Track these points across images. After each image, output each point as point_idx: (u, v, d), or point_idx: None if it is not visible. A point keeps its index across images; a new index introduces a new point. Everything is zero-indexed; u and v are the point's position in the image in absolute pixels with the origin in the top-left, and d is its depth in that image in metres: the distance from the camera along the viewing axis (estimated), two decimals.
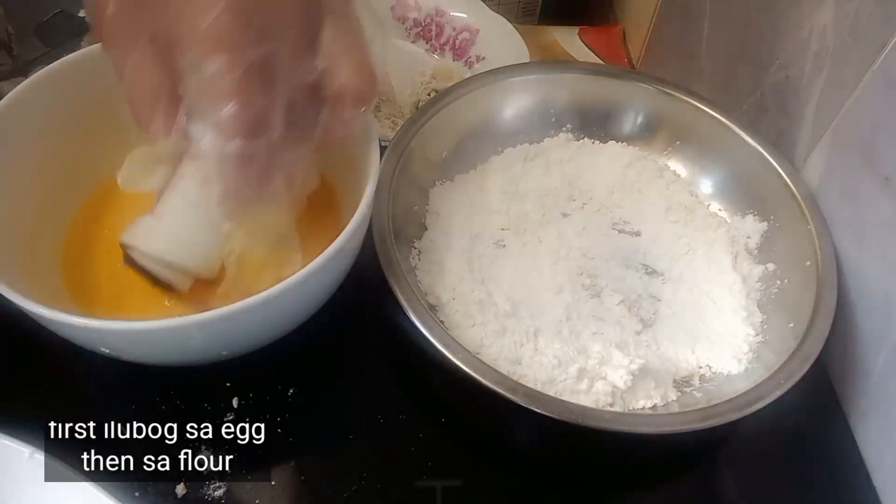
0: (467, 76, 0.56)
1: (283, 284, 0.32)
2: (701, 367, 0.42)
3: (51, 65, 0.40)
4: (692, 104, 0.50)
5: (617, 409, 0.38)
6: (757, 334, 0.42)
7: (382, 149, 0.39)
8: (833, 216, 0.44)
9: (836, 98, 0.44)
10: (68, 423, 0.38)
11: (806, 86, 0.47)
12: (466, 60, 0.63)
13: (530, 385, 0.38)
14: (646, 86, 0.51)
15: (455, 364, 0.35)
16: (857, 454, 0.41)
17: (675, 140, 0.51)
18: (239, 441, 0.38)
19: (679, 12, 0.64)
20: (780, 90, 0.50)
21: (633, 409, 0.39)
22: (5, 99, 0.38)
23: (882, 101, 0.40)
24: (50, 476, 0.30)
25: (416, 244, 0.45)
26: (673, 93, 0.51)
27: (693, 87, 0.52)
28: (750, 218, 0.48)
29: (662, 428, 0.35)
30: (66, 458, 0.30)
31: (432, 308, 0.41)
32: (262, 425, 0.39)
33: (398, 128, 0.47)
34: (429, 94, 0.57)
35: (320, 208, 0.44)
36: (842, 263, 0.43)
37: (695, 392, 0.40)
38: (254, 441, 0.38)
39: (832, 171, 0.45)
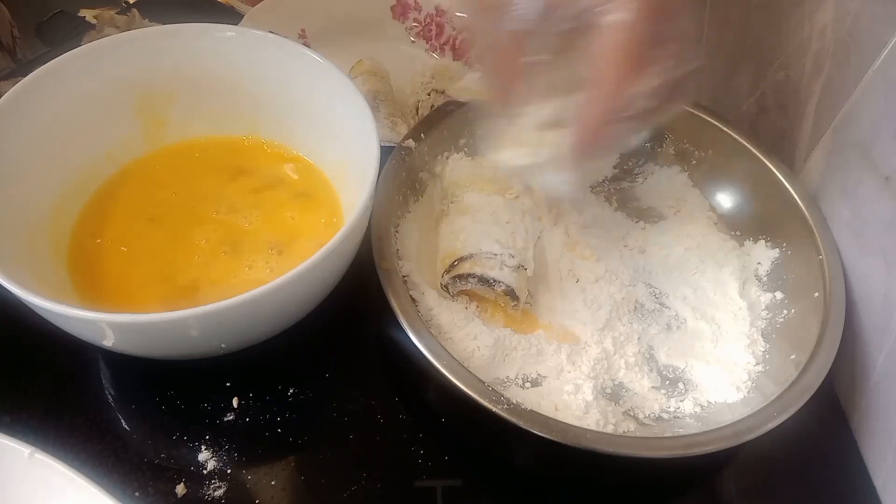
0: (467, 76, 0.56)
1: (280, 279, 0.32)
2: (698, 393, 0.41)
3: (52, 61, 0.40)
4: (710, 122, 0.49)
5: (609, 427, 0.38)
6: (757, 363, 0.42)
7: (382, 149, 0.39)
8: (833, 216, 0.44)
9: (836, 98, 0.44)
10: (69, 423, 0.38)
11: (806, 86, 0.47)
12: (466, 60, 0.63)
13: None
14: None
15: (440, 372, 0.35)
16: (857, 454, 0.41)
17: (691, 159, 0.50)
18: (239, 441, 0.38)
19: None
20: (780, 90, 0.49)
21: (626, 431, 0.38)
22: (6, 95, 0.38)
23: (882, 101, 0.40)
24: (50, 476, 0.29)
25: None
26: (688, 108, 0.49)
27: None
28: (762, 244, 0.47)
29: (643, 452, 0.34)
30: (66, 457, 0.30)
31: (428, 311, 0.41)
32: (262, 425, 0.39)
33: (397, 127, 0.47)
34: (428, 94, 0.57)
35: (321, 207, 0.44)
36: (842, 263, 0.43)
37: (687, 418, 0.40)
38: (254, 440, 0.38)
39: (832, 171, 0.45)
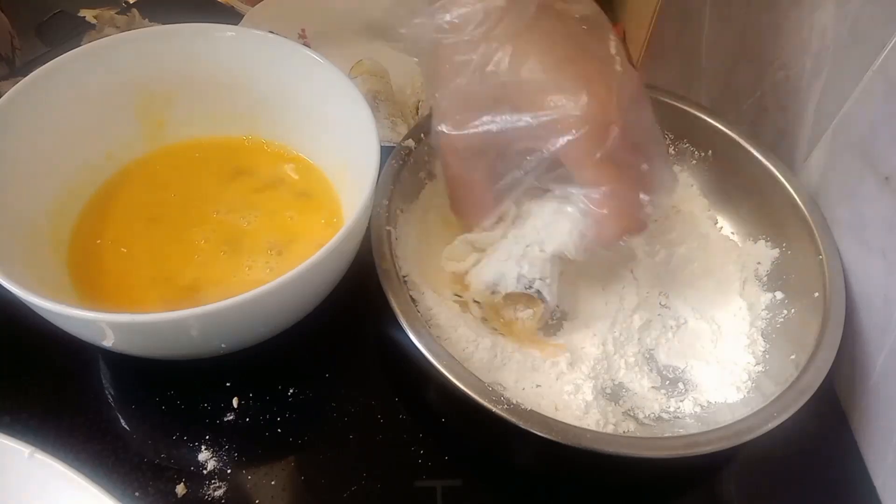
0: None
1: (280, 279, 0.32)
2: (698, 393, 0.41)
3: (52, 61, 0.40)
4: (710, 122, 0.48)
5: (609, 427, 0.38)
6: (757, 363, 0.42)
7: (382, 149, 0.39)
8: (833, 216, 0.44)
9: (836, 98, 0.44)
10: (69, 423, 0.38)
11: (806, 86, 0.47)
12: None
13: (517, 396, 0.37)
14: (656, 97, 0.49)
15: (440, 372, 0.35)
16: (857, 454, 0.41)
17: (691, 159, 0.50)
18: (239, 441, 0.38)
19: (679, 12, 0.64)
20: (780, 90, 0.50)
21: (626, 431, 0.38)
22: (6, 95, 0.38)
23: (882, 101, 0.40)
24: (50, 476, 0.29)
25: None
26: (688, 108, 0.49)
27: (693, 87, 0.51)
28: (762, 243, 0.46)
29: (643, 452, 0.34)
30: (66, 457, 0.30)
31: (427, 311, 0.41)
32: (262, 425, 0.39)
33: (397, 127, 0.47)
34: None
35: (321, 208, 0.44)
36: (842, 263, 0.43)
37: (687, 418, 0.40)
38: (254, 440, 0.38)
39: (832, 171, 0.45)
